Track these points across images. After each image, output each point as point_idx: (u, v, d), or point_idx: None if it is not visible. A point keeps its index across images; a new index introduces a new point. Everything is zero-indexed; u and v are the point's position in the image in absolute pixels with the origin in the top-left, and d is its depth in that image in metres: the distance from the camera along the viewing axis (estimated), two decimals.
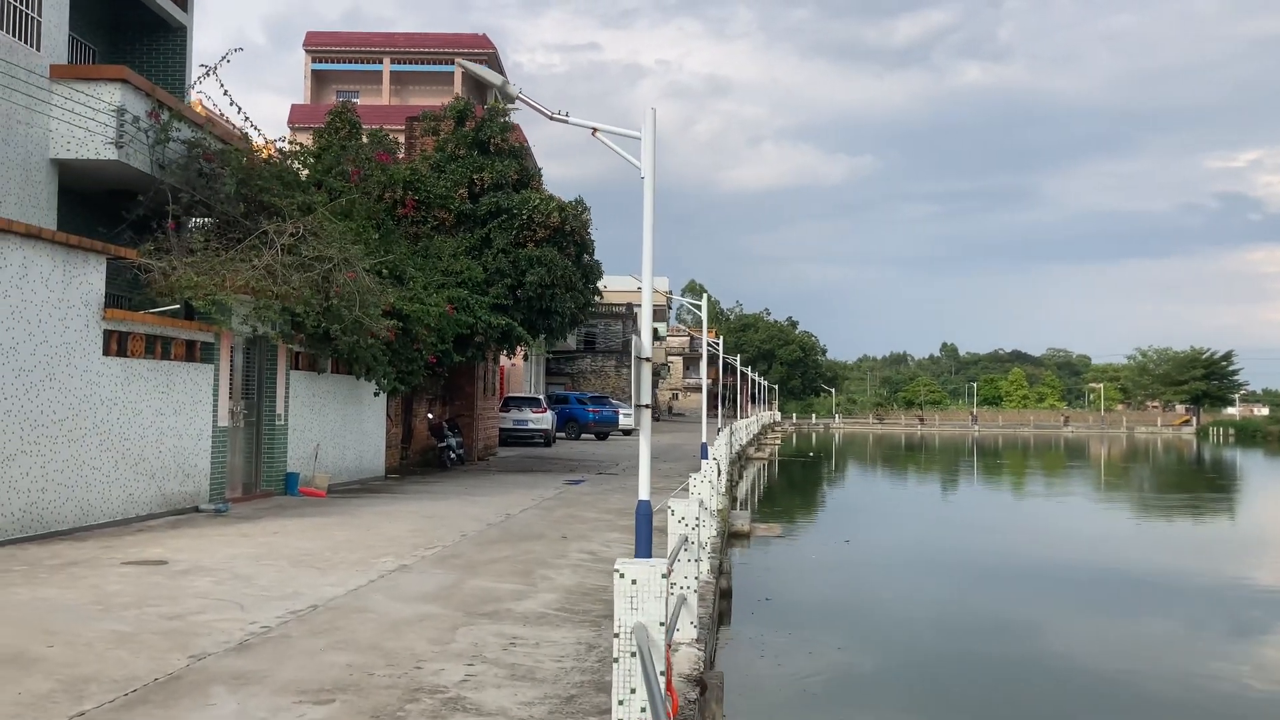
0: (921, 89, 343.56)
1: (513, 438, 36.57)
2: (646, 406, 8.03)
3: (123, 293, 14.41)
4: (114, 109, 14.42)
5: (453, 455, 25.53)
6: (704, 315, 25.93)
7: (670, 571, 4.82)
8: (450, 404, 27.85)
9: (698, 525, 8.10)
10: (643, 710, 4.56)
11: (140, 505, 13.67)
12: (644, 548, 8.01)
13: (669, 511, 8.08)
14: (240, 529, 13.39)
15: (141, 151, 15.02)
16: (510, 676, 6.70)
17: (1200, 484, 41.72)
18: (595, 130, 8.21)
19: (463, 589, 9.67)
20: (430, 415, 26.31)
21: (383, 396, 21.38)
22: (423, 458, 25.56)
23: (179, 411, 14.54)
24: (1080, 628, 13.19)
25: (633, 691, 4.57)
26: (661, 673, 4.06)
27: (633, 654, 4.59)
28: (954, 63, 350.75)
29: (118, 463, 13.17)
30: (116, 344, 13.25)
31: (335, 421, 19.69)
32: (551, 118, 8.19)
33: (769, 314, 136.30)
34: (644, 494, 8.22)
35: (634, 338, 7.86)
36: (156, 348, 14.12)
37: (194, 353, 15.05)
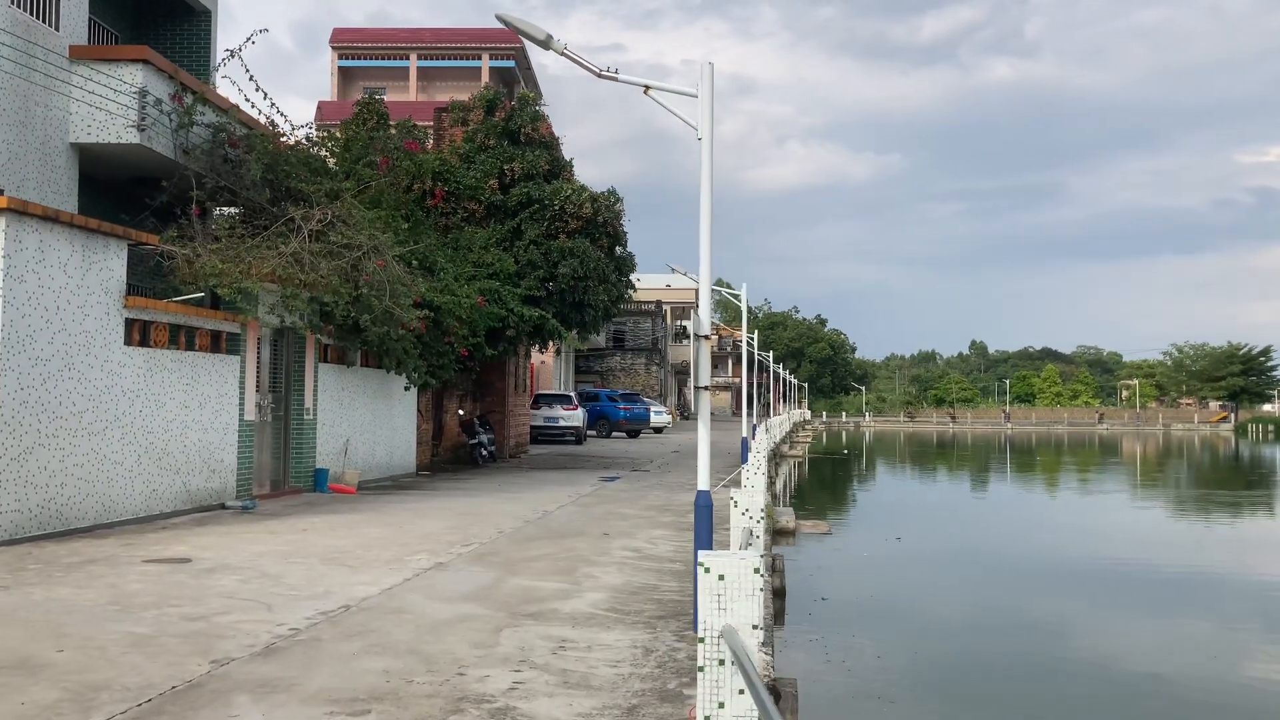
0: (949, 86, 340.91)
1: (544, 435, 35.98)
2: (705, 389, 7.37)
3: (145, 282, 13.89)
4: (135, 91, 13.91)
5: (484, 452, 24.95)
6: (743, 305, 25.13)
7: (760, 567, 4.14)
8: (481, 400, 27.29)
9: (762, 518, 7.42)
10: None
11: (164, 501, 13.13)
12: (704, 541, 7.36)
13: (731, 503, 7.40)
14: (268, 526, 12.83)
15: (164, 135, 14.51)
16: (563, 684, 6.05)
17: (1252, 483, 40.58)
18: (647, 88, 7.55)
19: (504, 588, 9.04)
20: (461, 411, 25.75)
21: (413, 391, 20.83)
22: (454, 455, 25.00)
23: (204, 405, 14.01)
24: (1138, 626, 12.44)
25: (721, 706, 3.89)
26: (758, 683, 3.38)
27: (721, 661, 3.91)
28: (981, 59, 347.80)
29: (140, 457, 12.64)
30: (139, 333, 12.72)
31: (365, 416, 19.15)
32: (600, 75, 7.53)
33: (797, 312, 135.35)
34: (703, 484, 7.56)
35: (693, 313, 7.20)
36: (180, 338, 13.59)
37: (219, 344, 14.52)
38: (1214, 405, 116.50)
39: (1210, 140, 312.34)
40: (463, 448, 25.15)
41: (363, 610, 7.98)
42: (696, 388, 7.18)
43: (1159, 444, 75.74)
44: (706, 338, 7.23)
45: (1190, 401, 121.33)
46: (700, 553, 4.10)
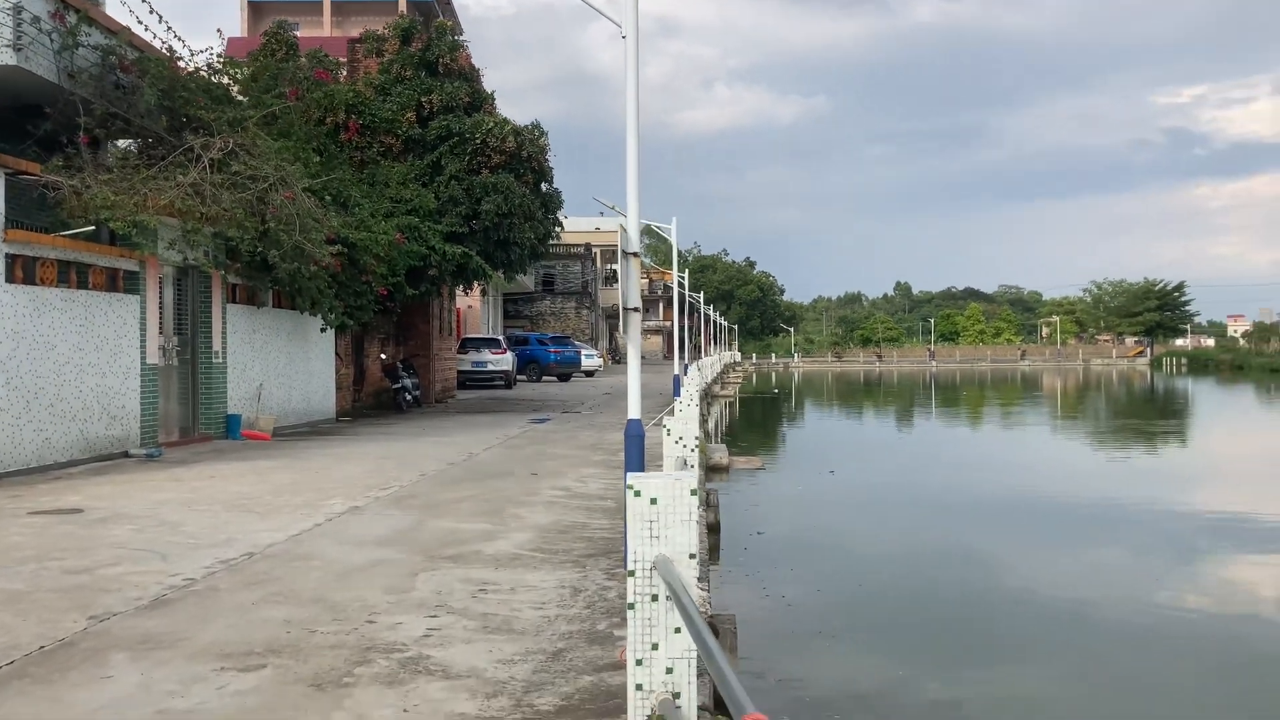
0: (874, 28, 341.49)
1: (471, 380, 35.20)
2: (636, 310, 6.84)
3: (29, 217, 12.82)
4: (8, 7, 12.73)
5: (408, 397, 24.19)
6: (673, 239, 24.51)
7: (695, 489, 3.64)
8: (404, 344, 26.43)
9: (696, 447, 6.95)
10: (669, 671, 3.41)
11: (58, 451, 12.26)
12: (636, 469, 6.87)
13: (664, 431, 6.93)
14: (173, 474, 12.07)
15: (45, 57, 13.33)
16: (482, 629, 5.55)
17: (1165, 414, 41.52)
18: None
19: (423, 531, 8.49)
20: (383, 355, 24.92)
21: (330, 334, 19.93)
22: (376, 400, 24.22)
23: (100, 347, 13.10)
24: (1063, 557, 12.42)
25: (654, 647, 3.41)
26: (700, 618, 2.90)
27: (654, 597, 3.43)
28: (906, 0, 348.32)
29: (29, 404, 11.74)
30: (22, 270, 11.76)
31: (279, 360, 18.27)
32: None
33: (727, 255, 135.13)
34: (634, 413, 7.07)
35: (620, 230, 6.63)
36: (71, 275, 12.63)
37: (116, 282, 13.57)
38: (1130, 341, 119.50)
39: (1129, 82, 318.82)
40: (385, 393, 24.37)
41: (267, 558, 7.38)
42: (625, 309, 6.65)
43: (1079, 379, 77.42)
44: (636, 255, 6.68)
45: (1108, 337, 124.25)
46: (630, 474, 3.59)
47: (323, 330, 19.02)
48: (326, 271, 16.49)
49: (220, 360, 16.10)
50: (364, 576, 6.78)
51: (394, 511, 9.44)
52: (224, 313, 16.22)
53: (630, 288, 6.73)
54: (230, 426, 16.13)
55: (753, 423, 37.53)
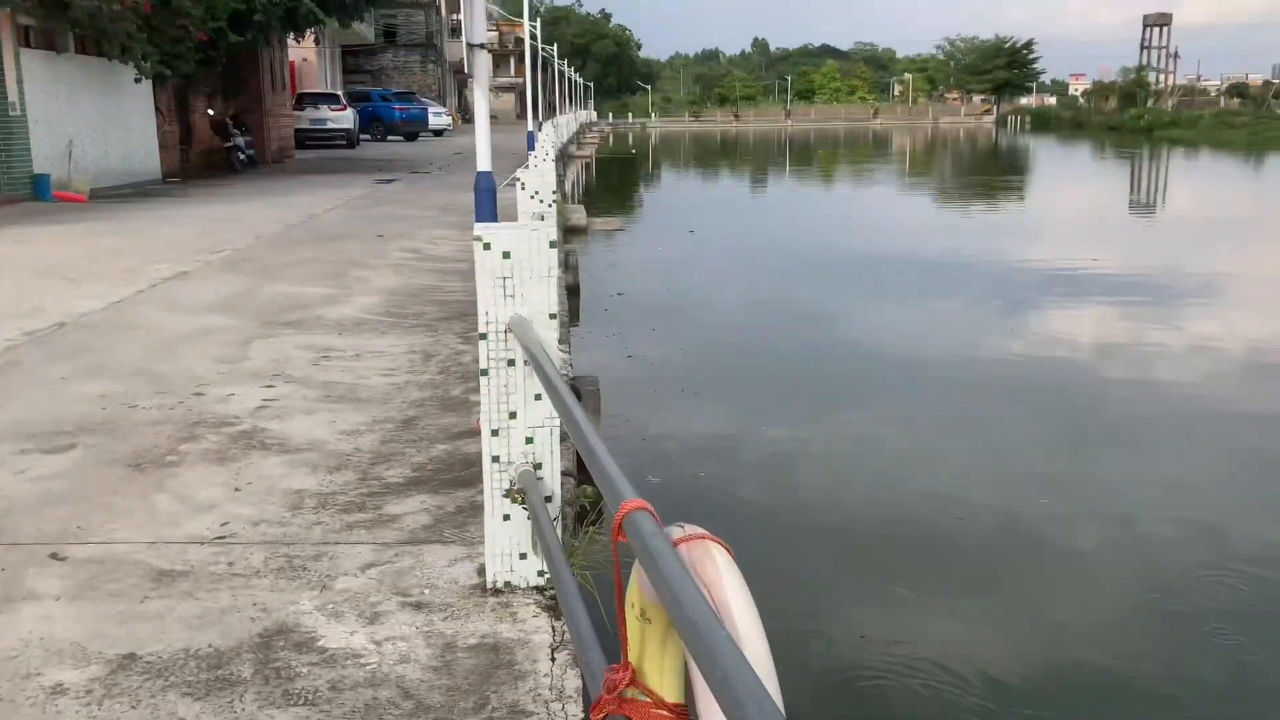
0: None
1: (310, 139, 33.06)
2: (481, 46, 6.13)
3: None
4: None
5: (242, 156, 22.56)
6: None
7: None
8: (234, 99, 24.36)
9: (554, 202, 6.46)
10: (528, 441, 3.08)
11: None
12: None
13: (518, 186, 6.40)
14: None
15: None
16: (325, 398, 5.14)
17: (1004, 170, 42.70)
18: None
19: (258, 296, 7.87)
20: (210, 111, 22.98)
21: (147, 86, 18.08)
22: (207, 160, 22.50)
23: None
24: (909, 310, 12.68)
25: (513, 416, 3.06)
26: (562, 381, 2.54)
27: (510, 362, 3.04)
28: None
29: None
30: None
31: (90, 114, 16.53)
32: None
33: (580, 6, 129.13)
34: (483, 165, 6.49)
35: None
36: None
37: None
38: (978, 100, 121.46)
39: None
40: (217, 152, 22.65)
41: (81, 328, 6.69)
42: (470, 44, 5.93)
43: (927, 137, 78.69)
44: None
45: (956, 96, 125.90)
46: (479, 225, 3.12)
47: (137, 81, 17.20)
48: (134, 13, 14.71)
49: (19, 113, 14.42)
50: (192, 346, 6.22)
51: (226, 276, 8.74)
52: (17, 58, 14.38)
53: (475, 20, 5.99)
54: (39, 187, 14.67)
55: (611, 184, 36.84)
